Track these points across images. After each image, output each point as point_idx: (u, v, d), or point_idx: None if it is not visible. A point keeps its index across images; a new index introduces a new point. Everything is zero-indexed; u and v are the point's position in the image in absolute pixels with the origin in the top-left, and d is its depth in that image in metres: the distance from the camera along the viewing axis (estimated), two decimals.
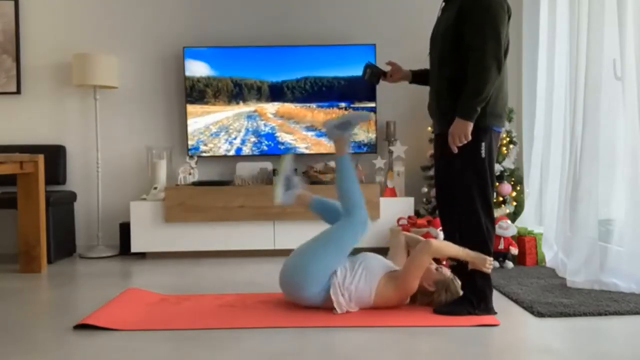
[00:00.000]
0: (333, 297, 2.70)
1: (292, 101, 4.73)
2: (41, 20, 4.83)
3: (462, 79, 2.57)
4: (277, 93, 4.72)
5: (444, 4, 2.79)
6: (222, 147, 4.71)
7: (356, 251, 2.88)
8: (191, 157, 4.69)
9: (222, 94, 4.71)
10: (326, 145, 4.74)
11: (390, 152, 4.67)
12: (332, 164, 4.63)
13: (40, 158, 4.02)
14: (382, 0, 4.89)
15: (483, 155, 2.62)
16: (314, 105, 4.74)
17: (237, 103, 4.71)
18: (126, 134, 4.87)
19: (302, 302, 2.78)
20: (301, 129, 4.74)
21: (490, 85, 2.52)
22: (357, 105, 4.71)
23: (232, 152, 4.72)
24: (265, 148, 4.75)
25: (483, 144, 2.62)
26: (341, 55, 4.70)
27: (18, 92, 4.80)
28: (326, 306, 2.73)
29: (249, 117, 4.73)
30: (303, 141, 4.74)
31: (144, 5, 4.86)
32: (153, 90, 4.88)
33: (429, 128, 4.61)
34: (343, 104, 4.72)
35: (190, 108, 4.70)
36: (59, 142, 4.82)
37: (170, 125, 4.88)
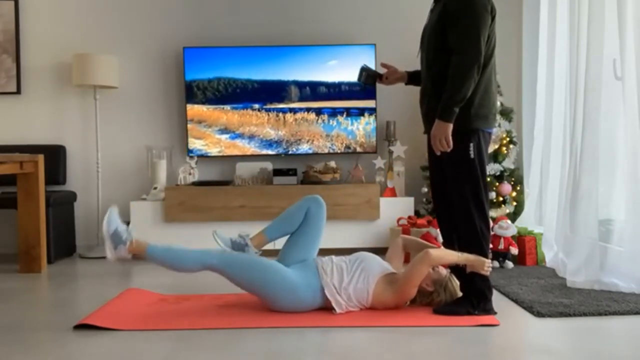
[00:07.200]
0: (330, 298, 2.69)
1: (203, 102, 4.65)
2: (41, 20, 4.82)
3: (446, 80, 2.56)
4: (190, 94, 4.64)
5: (433, 4, 2.79)
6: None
7: (352, 252, 2.88)
8: (191, 157, 4.69)
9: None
10: (241, 147, 4.65)
11: (390, 152, 4.67)
12: (332, 163, 4.62)
13: (40, 158, 4.02)
14: (382, 0, 4.89)
15: (472, 155, 2.62)
16: (227, 107, 4.66)
17: None
18: (126, 134, 4.87)
19: (305, 310, 2.75)
20: (214, 132, 4.65)
21: (467, 87, 2.51)
22: (356, 105, 4.71)
23: None
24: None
25: (471, 144, 2.62)
26: (342, 55, 4.69)
27: (18, 92, 4.80)
28: (327, 305, 2.73)
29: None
30: (216, 145, 4.66)
31: (144, 5, 4.86)
32: (153, 90, 4.87)
33: None
34: (257, 105, 4.63)
35: None
36: (59, 142, 4.82)
37: (170, 125, 4.87)
